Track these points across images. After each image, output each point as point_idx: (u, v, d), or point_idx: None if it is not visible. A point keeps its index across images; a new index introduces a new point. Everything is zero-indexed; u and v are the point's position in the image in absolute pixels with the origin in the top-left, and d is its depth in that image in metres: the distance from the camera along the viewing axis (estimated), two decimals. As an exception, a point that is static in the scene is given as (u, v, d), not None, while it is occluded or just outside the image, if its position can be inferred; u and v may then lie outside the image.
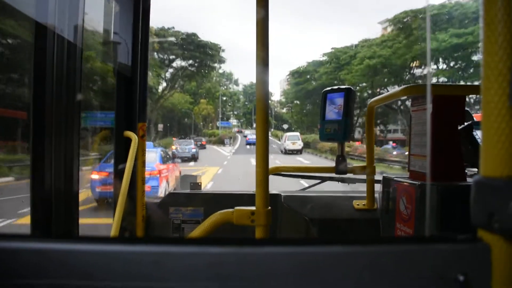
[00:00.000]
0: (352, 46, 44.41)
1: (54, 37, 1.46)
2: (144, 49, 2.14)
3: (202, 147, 40.28)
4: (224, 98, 71.08)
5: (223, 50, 48.66)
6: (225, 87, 72.05)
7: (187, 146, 28.50)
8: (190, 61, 47.57)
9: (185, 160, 26.33)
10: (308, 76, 52.00)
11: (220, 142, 50.25)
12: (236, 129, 75.41)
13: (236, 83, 76.11)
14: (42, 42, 1.43)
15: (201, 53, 46.29)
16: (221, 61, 49.35)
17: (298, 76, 54.86)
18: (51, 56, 1.44)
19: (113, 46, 2.23)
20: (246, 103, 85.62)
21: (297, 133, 37.40)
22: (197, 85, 60.62)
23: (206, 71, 51.15)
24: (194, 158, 27.28)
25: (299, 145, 31.81)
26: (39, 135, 1.44)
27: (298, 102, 58.24)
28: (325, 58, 48.00)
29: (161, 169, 9.33)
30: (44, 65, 1.42)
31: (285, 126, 57.09)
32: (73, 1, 1.54)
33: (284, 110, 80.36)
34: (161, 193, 8.70)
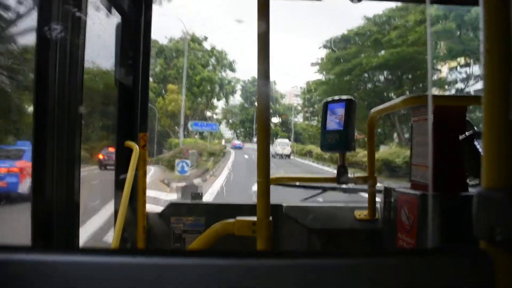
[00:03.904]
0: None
1: (56, 49, 1.47)
2: (145, 59, 2.16)
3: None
4: (211, 87, 40.98)
5: None
6: (212, 68, 42.18)
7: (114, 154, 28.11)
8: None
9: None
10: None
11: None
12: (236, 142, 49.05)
13: (231, 67, 43.88)
14: (44, 53, 1.44)
15: None
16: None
17: (344, 46, 29.65)
18: (53, 68, 1.45)
19: (114, 56, 2.25)
20: (246, 105, 58.39)
21: (287, 140, 38.94)
22: (165, 61, 37.61)
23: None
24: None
25: (288, 150, 34.31)
26: (40, 146, 1.44)
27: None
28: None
29: (24, 167, 9.51)
30: (46, 77, 1.43)
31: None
32: (75, 12, 1.55)
33: (299, 119, 56.98)
34: (23, 190, 8.71)
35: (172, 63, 38.12)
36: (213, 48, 42.80)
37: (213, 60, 42.78)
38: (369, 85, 30.83)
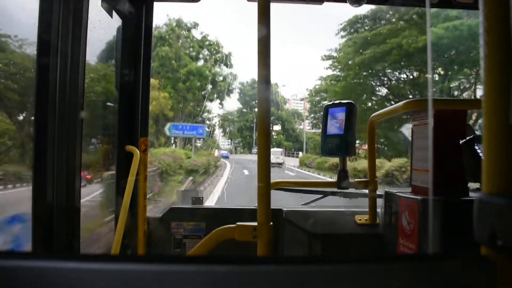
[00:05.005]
0: None
1: (57, 53, 1.47)
2: (146, 64, 2.16)
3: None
4: (201, 84, 32.73)
5: None
6: (204, 62, 33.59)
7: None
8: None
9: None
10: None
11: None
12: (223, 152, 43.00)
13: (226, 63, 35.35)
14: (45, 58, 1.44)
15: None
16: None
17: (371, 26, 23.58)
18: (54, 73, 1.45)
19: (115, 60, 2.25)
20: (244, 110, 51.17)
21: (280, 149, 39.46)
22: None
23: None
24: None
25: (281, 159, 35.06)
26: (41, 151, 1.44)
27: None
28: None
29: None
30: (47, 82, 1.43)
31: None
32: (76, 16, 1.56)
33: (304, 126, 49.97)
34: None
35: (154, 53, 26.96)
36: (204, 38, 34.16)
37: (205, 52, 34.45)
38: (403, 78, 23.94)
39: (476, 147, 1.69)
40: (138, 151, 2.04)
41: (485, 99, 0.53)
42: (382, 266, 0.51)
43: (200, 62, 34.03)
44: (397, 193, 1.72)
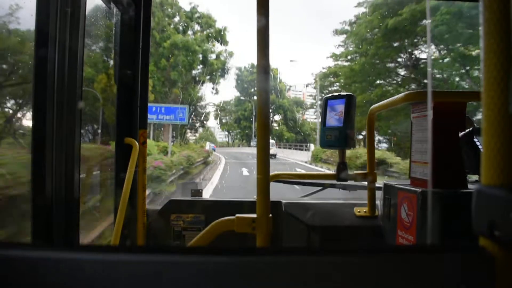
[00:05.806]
0: None
1: (55, 44, 1.46)
2: (145, 55, 2.15)
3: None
4: (188, 61, 26.36)
5: None
6: (193, 34, 28.45)
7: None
8: None
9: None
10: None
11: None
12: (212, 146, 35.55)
13: (220, 38, 29.24)
14: (43, 50, 1.43)
15: None
16: None
17: None
18: (52, 64, 1.44)
19: (114, 52, 2.24)
20: (242, 98, 46.43)
21: (273, 141, 40.00)
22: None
23: None
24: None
25: (274, 150, 35.83)
26: (39, 143, 1.44)
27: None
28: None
29: None
30: (45, 73, 1.43)
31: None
32: (74, 8, 1.55)
33: (308, 116, 47.96)
34: None
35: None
36: (194, 9, 28.66)
37: (196, 27, 28.85)
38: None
39: (475, 140, 1.69)
40: (137, 143, 2.04)
41: (484, 91, 0.53)
42: (381, 258, 0.52)
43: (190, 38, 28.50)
44: (396, 185, 1.72)
